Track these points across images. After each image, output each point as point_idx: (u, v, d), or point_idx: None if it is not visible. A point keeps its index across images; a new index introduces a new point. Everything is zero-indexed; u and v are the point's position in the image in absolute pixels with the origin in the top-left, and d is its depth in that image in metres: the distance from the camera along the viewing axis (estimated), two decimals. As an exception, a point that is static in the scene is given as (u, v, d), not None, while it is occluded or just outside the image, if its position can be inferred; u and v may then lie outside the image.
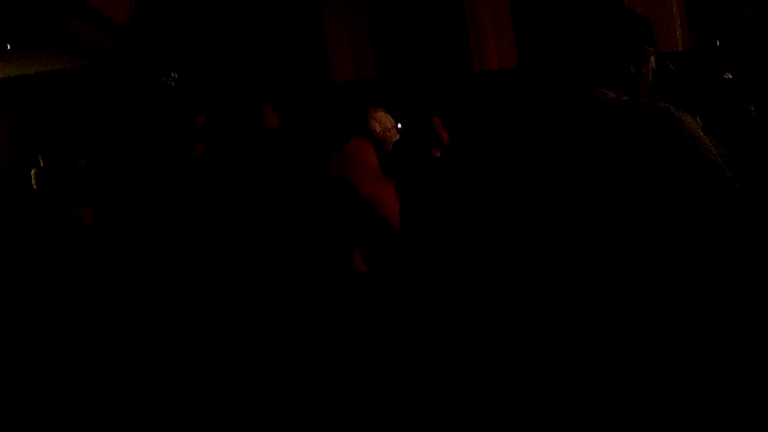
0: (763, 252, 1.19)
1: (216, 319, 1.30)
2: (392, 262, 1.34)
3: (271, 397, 1.19)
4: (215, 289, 1.33)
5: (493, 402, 1.27)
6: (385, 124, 3.38)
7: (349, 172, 1.33)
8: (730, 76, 3.55)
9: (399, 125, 3.15)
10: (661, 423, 1.18)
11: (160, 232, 1.47)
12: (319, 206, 1.30)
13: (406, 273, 1.37)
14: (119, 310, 1.42)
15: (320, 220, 1.30)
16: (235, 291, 1.31)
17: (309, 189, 1.33)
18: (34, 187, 2.70)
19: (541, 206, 1.32)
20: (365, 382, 1.18)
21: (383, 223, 1.31)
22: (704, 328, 1.19)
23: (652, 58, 1.39)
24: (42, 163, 2.69)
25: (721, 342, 1.18)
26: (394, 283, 1.33)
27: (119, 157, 1.78)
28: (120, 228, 1.60)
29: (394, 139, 3.16)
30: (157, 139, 1.68)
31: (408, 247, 1.40)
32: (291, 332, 1.22)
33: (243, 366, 1.23)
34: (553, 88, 1.40)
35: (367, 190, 1.32)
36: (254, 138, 1.58)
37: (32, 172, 2.78)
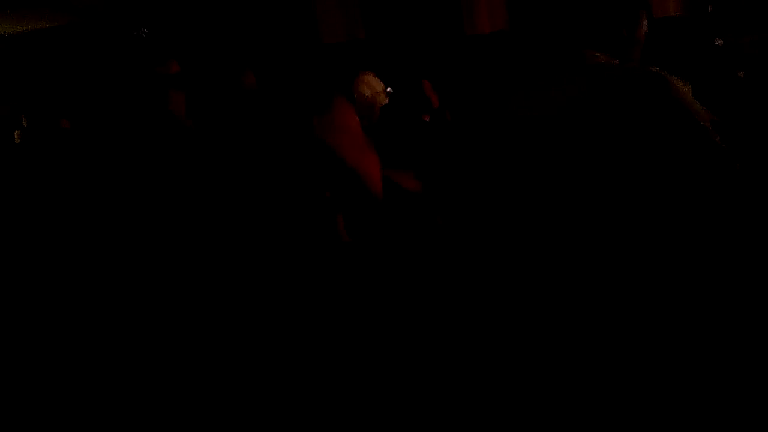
0: (752, 218, 1.19)
1: (201, 297, 1.29)
2: (375, 230, 1.33)
3: (260, 389, 1.19)
4: (200, 265, 1.32)
5: (489, 397, 1.27)
6: (375, 87, 3.34)
7: (332, 138, 1.31)
8: (722, 43, 3.53)
9: (388, 89, 3.12)
10: (662, 423, 1.19)
11: (141, 198, 1.45)
12: (303, 172, 1.28)
13: (389, 243, 1.36)
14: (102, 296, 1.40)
15: (304, 187, 1.28)
16: (219, 270, 1.30)
17: (292, 154, 1.30)
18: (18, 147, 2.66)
19: (532, 174, 1.31)
20: (357, 373, 1.18)
21: (366, 190, 1.29)
22: (697, 305, 1.20)
23: (645, 21, 1.38)
24: (25, 124, 2.65)
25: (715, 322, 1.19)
26: (377, 253, 1.32)
27: (100, 116, 1.73)
28: (101, 197, 1.57)
29: (383, 104, 3.13)
30: (132, 93, 1.63)
31: (390, 215, 1.39)
32: (278, 312, 1.22)
33: (229, 353, 1.23)
34: (544, 51, 1.38)
35: (350, 156, 1.30)
36: (231, 98, 1.55)
37: (16, 133, 2.74)
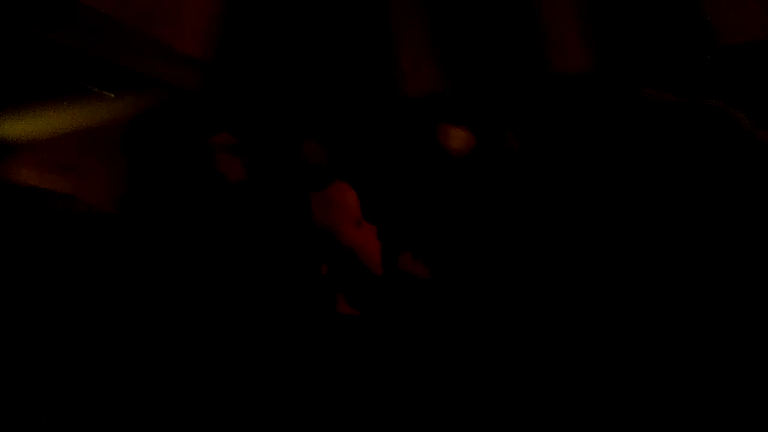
0: None
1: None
2: (376, 305, 1.33)
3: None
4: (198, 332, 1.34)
5: (489, 397, 1.26)
6: (466, 140, 3.27)
7: (329, 218, 1.32)
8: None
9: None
10: (662, 423, 1.16)
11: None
12: (300, 252, 1.30)
13: (392, 316, 1.37)
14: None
15: (301, 266, 1.30)
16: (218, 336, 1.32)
17: (289, 233, 1.32)
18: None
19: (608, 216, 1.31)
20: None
21: (364, 270, 1.30)
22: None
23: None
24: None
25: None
26: (381, 325, 1.32)
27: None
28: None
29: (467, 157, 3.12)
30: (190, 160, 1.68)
31: (391, 292, 1.39)
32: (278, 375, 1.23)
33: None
34: (617, 92, 1.40)
35: (348, 236, 1.31)
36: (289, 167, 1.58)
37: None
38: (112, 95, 3.31)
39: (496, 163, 2.78)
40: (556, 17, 5.42)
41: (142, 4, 3.64)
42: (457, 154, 3.12)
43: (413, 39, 5.69)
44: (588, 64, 5.33)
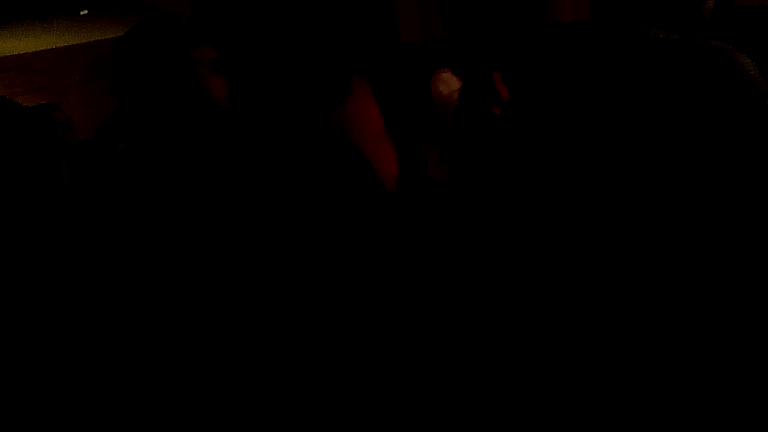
0: None
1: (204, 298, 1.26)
2: (386, 226, 1.26)
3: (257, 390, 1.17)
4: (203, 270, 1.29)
5: (489, 397, 1.23)
6: (451, 85, 3.30)
7: (348, 134, 1.25)
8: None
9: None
10: (662, 423, 1.13)
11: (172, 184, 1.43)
12: (314, 163, 1.22)
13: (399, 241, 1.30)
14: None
15: (314, 179, 1.22)
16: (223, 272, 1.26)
17: (305, 145, 1.24)
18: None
19: (592, 156, 1.25)
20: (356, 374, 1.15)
21: (379, 183, 1.23)
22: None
23: None
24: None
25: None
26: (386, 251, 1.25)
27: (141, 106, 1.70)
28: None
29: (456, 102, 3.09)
30: (170, 78, 1.61)
31: (403, 213, 1.32)
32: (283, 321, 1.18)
33: (228, 353, 1.20)
34: (604, 30, 1.32)
35: (367, 152, 1.24)
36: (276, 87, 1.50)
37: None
38: (86, 11, 3.21)
39: (482, 104, 2.72)
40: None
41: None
42: (443, 97, 3.14)
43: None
44: (588, 15, 5.22)
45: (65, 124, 3.06)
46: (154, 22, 1.65)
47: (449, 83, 3.28)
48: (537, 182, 1.38)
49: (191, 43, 1.61)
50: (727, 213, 1.12)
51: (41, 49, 5.21)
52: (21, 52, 5.54)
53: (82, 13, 4.15)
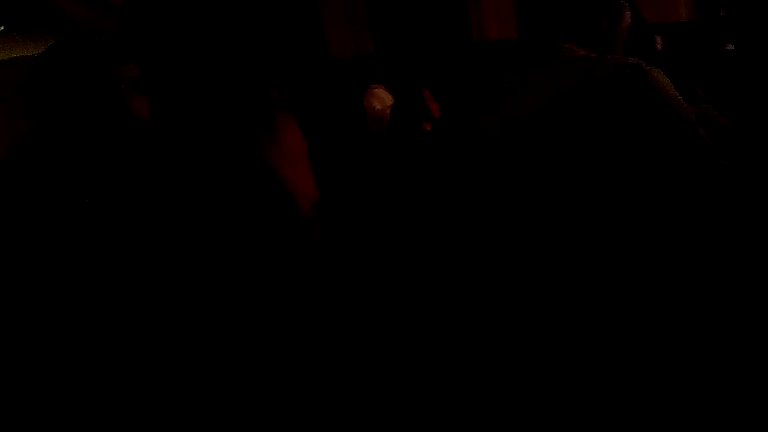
0: (738, 215, 1.16)
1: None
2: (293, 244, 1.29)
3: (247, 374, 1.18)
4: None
5: (489, 397, 1.25)
6: (385, 101, 3.34)
7: (271, 155, 1.27)
8: (732, 47, 3.50)
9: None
10: (662, 423, 1.16)
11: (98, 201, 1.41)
12: (234, 182, 1.24)
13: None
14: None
15: (234, 196, 1.24)
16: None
17: (227, 166, 1.26)
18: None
19: (515, 175, 1.29)
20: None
21: (293, 205, 1.25)
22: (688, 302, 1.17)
23: (627, 14, 1.37)
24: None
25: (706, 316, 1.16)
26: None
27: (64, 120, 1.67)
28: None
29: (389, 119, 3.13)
30: (94, 96, 1.59)
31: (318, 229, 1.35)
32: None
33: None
34: (525, 48, 1.38)
35: (281, 169, 1.26)
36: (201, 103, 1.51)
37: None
38: (1, 27, 3.08)
39: (412, 119, 2.77)
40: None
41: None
42: (376, 112, 3.18)
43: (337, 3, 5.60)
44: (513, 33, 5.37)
45: None
46: (73, 39, 1.61)
47: (383, 99, 3.32)
48: (467, 192, 1.42)
49: (113, 60, 1.59)
50: (634, 214, 1.18)
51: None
52: (-68, 69, 5.28)
53: (-2, 29, 4.01)
